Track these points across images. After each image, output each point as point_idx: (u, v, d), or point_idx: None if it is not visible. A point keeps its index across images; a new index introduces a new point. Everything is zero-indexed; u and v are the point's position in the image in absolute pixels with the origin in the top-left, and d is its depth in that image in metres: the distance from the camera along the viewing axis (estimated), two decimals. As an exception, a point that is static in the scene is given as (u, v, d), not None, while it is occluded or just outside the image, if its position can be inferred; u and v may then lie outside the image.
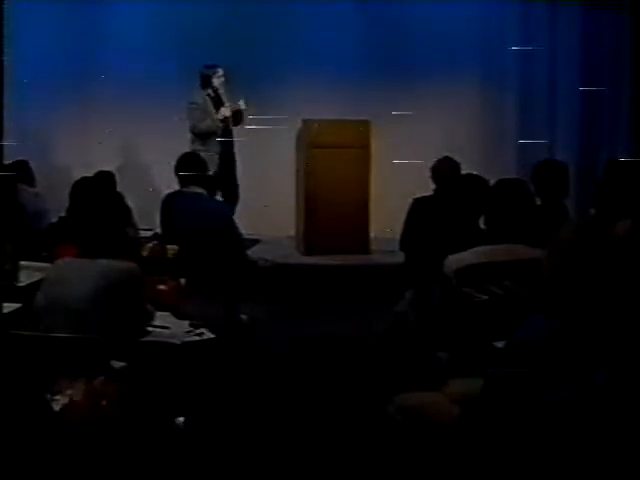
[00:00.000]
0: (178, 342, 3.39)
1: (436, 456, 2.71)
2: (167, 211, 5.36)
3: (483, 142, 8.35)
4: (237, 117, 7.57)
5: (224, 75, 7.51)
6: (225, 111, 7.43)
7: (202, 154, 7.17)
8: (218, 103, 7.49)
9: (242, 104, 7.48)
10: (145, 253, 4.72)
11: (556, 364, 2.10)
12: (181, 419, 3.23)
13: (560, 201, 4.62)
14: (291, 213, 7.84)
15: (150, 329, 3.45)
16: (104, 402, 2.86)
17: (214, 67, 7.51)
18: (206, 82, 7.52)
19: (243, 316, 5.21)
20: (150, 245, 4.92)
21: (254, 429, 3.90)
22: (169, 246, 4.86)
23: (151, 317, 3.51)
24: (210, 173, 7.19)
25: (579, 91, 8.32)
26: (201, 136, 7.39)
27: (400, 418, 2.93)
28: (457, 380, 3.06)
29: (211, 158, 7.23)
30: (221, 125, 7.43)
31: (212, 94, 7.50)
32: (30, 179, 6.22)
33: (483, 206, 3.66)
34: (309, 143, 7.28)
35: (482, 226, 4.02)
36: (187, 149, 5.57)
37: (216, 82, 7.50)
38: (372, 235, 7.43)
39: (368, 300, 6.04)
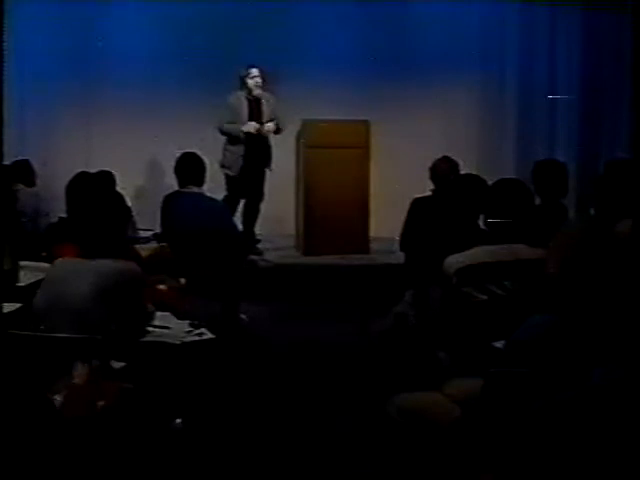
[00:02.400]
0: (178, 342, 3.39)
1: (436, 456, 2.71)
2: (167, 211, 5.37)
3: (483, 142, 8.35)
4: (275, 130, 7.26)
5: (260, 76, 7.19)
6: (249, 127, 7.10)
7: (229, 155, 7.21)
8: (255, 107, 7.21)
9: (271, 126, 7.17)
10: (146, 253, 4.73)
11: (557, 363, 2.10)
12: (178, 421, 3.23)
13: (559, 201, 4.62)
14: (291, 213, 7.84)
15: (150, 329, 3.45)
16: (102, 400, 2.86)
17: (250, 67, 7.21)
18: (242, 83, 7.22)
19: (243, 316, 5.21)
20: (155, 246, 4.93)
21: (254, 429, 3.90)
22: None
23: (151, 317, 3.52)
24: (233, 174, 7.19)
25: (579, 91, 8.33)
26: (228, 137, 7.19)
27: (400, 419, 2.93)
28: (457, 380, 3.06)
29: (236, 161, 7.20)
30: (243, 135, 7.13)
31: (249, 96, 7.19)
32: (31, 179, 6.22)
33: (482, 206, 3.66)
34: (309, 143, 7.28)
35: (482, 226, 4.03)
36: (188, 149, 5.56)
37: (250, 83, 7.17)
38: (372, 235, 7.43)
39: (368, 300, 6.03)
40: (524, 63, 8.39)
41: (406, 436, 2.89)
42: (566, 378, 1.94)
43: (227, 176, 7.20)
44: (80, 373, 2.89)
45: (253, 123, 7.14)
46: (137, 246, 4.87)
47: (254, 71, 7.21)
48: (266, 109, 7.23)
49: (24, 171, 6.14)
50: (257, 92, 7.19)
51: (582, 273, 2.04)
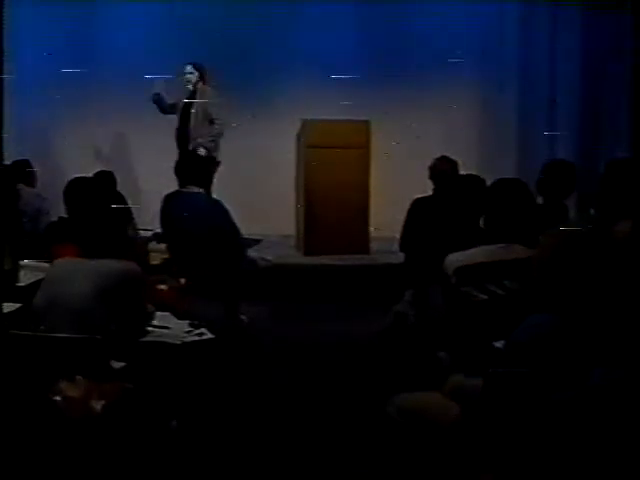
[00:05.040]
0: (178, 342, 3.39)
1: (436, 456, 2.71)
2: (167, 211, 5.36)
3: (483, 142, 8.36)
4: None
5: (194, 72, 7.44)
6: None
7: None
8: (188, 103, 7.50)
9: None
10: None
11: (557, 363, 2.10)
12: (174, 422, 3.24)
13: (561, 201, 4.62)
14: (291, 213, 7.84)
15: (150, 329, 3.45)
16: (103, 401, 2.87)
17: (186, 65, 7.51)
18: None
19: (243, 316, 5.22)
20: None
21: (254, 429, 3.90)
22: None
23: (151, 317, 3.52)
24: None
25: (579, 91, 8.33)
26: None
27: (400, 419, 2.92)
28: (455, 376, 3.06)
29: None
30: None
31: (186, 92, 7.52)
32: (31, 179, 6.22)
33: (482, 206, 3.66)
34: (309, 143, 7.28)
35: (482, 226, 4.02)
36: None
37: (183, 80, 7.51)
38: (372, 235, 7.43)
39: (368, 300, 6.04)
40: (524, 63, 8.39)
41: (406, 436, 2.89)
42: (566, 378, 1.93)
43: None
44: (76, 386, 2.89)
45: None
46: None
47: (187, 67, 7.46)
48: (197, 106, 7.38)
49: (25, 171, 6.13)
50: (188, 87, 7.45)
51: (562, 275, 2.04)
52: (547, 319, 2.21)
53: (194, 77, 7.43)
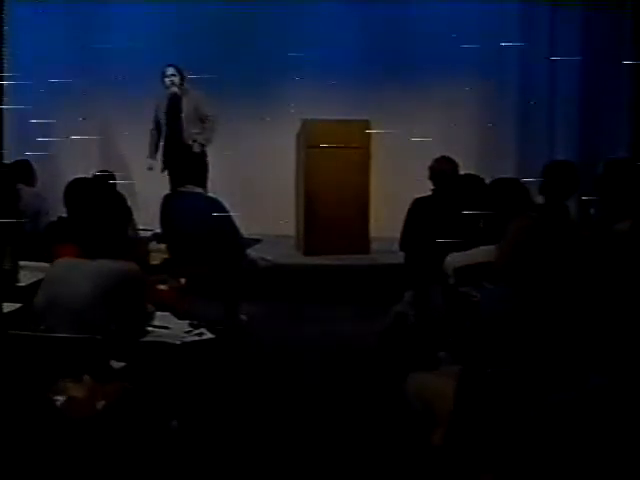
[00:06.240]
0: (178, 342, 3.39)
1: (436, 456, 2.71)
2: (167, 211, 5.36)
3: (483, 142, 8.35)
4: None
5: (177, 75, 7.49)
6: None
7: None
8: (174, 105, 7.55)
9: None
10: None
11: (517, 337, 2.11)
12: (174, 422, 3.24)
13: (562, 201, 4.62)
14: (291, 213, 7.84)
15: (150, 329, 3.45)
16: (103, 401, 2.87)
17: (167, 66, 7.55)
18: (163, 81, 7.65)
19: (243, 316, 5.22)
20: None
21: (253, 429, 3.90)
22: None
23: (151, 317, 3.52)
24: None
25: (579, 91, 8.32)
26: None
27: (419, 405, 2.90)
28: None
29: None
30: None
31: (168, 94, 7.55)
32: (31, 179, 6.22)
33: (482, 206, 3.67)
34: (309, 143, 7.28)
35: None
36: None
37: (165, 82, 7.54)
38: (372, 235, 7.43)
39: (368, 300, 6.04)
40: (524, 63, 8.39)
41: (406, 436, 2.89)
42: (562, 380, 1.94)
43: None
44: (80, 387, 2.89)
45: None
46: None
47: (169, 70, 7.50)
48: (186, 107, 7.46)
49: (24, 171, 6.13)
50: (173, 90, 7.49)
51: (526, 254, 2.09)
52: (505, 292, 2.23)
53: (177, 79, 7.51)
